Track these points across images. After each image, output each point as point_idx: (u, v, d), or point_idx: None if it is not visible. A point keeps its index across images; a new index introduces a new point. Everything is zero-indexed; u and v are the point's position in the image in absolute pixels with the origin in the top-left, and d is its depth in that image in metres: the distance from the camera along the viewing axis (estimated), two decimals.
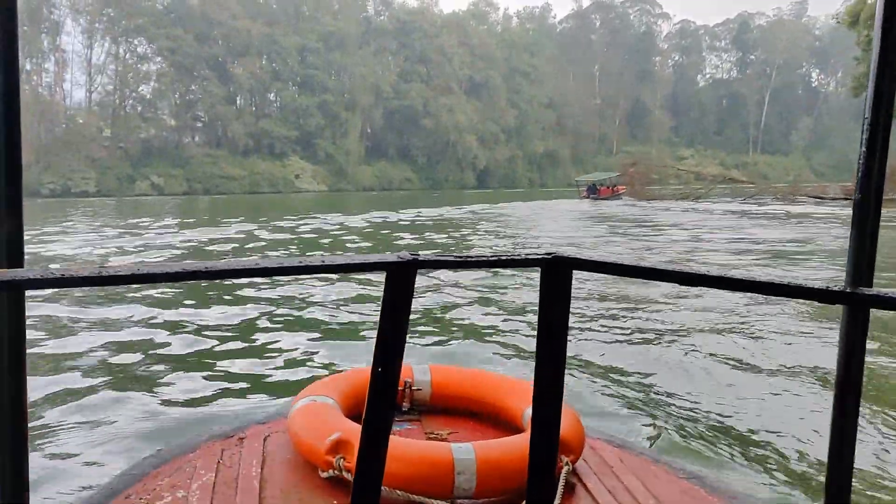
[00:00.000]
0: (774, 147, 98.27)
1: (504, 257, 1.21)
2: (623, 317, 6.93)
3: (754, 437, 3.85)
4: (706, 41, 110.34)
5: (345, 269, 1.32)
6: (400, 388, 2.38)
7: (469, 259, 1.21)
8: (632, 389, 4.66)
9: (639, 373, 5.00)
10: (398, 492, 1.76)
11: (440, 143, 76.75)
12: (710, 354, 5.46)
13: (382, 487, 1.40)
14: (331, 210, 29.35)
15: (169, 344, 5.74)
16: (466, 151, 78.46)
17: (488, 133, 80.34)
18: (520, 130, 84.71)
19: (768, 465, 3.46)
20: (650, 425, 3.96)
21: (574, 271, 1.31)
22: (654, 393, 4.53)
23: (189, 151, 65.44)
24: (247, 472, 1.92)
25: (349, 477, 1.76)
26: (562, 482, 1.74)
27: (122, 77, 66.09)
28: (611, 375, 4.92)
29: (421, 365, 2.53)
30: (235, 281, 9.06)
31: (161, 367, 5.08)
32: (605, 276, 10.17)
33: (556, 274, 1.24)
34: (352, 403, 2.19)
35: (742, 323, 6.60)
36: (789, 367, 5.27)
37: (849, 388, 1.30)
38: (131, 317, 6.59)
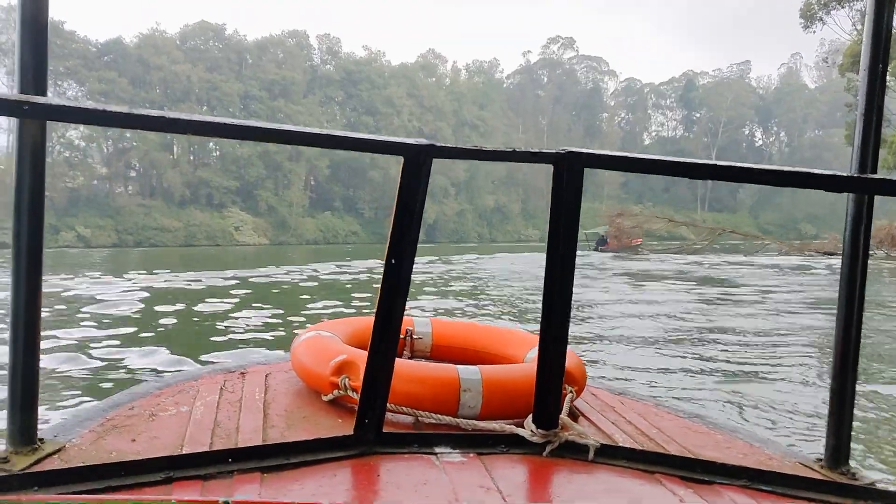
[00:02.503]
0: (722, 205, 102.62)
1: (518, 150, 1.46)
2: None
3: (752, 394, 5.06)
4: (651, 99, 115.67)
5: (362, 147, 1.46)
6: (402, 337, 2.43)
7: (484, 150, 1.46)
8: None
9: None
10: (404, 408, 1.80)
11: (388, 197, 77.43)
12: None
13: (387, 405, 1.59)
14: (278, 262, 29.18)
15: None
16: None
17: (437, 186, 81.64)
18: (469, 184, 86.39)
19: (766, 415, 4.41)
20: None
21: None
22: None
23: (120, 201, 64.23)
24: (250, 395, 1.99)
25: (354, 396, 1.82)
26: (566, 409, 1.79)
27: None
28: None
29: (422, 318, 2.62)
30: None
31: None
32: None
33: (569, 171, 1.47)
34: (356, 341, 2.22)
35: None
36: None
37: (853, 300, 1.56)
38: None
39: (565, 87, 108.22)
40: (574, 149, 1.48)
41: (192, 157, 71.91)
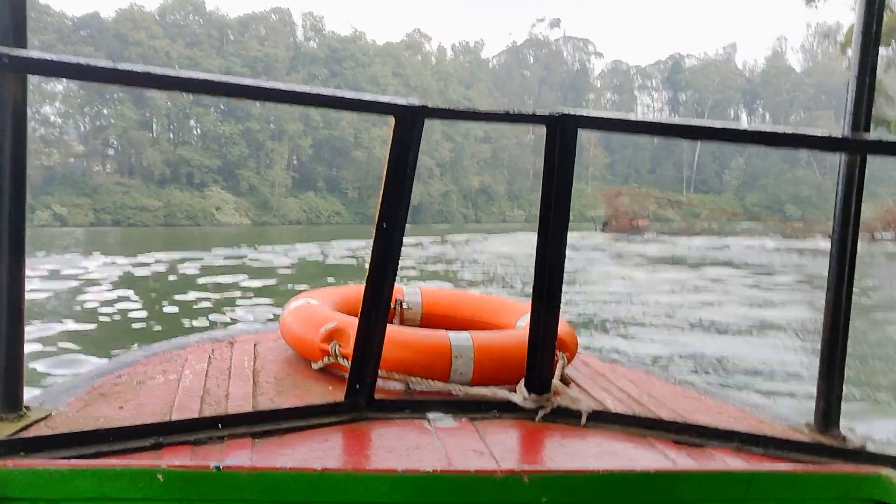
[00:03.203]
0: (707, 186, 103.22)
1: (511, 112, 1.46)
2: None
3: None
4: (638, 80, 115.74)
5: (353, 107, 1.46)
6: (391, 306, 2.34)
7: (477, 111, 1.47)
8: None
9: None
10: (395, 374, 1.80)
11: (372, 177, 77.05)
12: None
13: (379, 371, 1.60)
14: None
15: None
16: None
17: (423, 167, 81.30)
18: (454, 165, 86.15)
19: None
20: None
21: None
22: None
23: (98, 180, 63.47)
24: (239, 363, 1.98)
25: (345, 364, 1.79)
26: (558, 374, 1.77)
27: None
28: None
29: (411, 287, 2.59)
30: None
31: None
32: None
33: (563, 133, 1.46)
34: (345, 308, 2.21)
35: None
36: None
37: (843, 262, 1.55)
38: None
39: (551, 68, 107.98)
40: (568, 110, 1.47)
41: (171, 136, 71.10)
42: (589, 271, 14.75)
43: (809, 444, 1.51)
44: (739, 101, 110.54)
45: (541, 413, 1.63)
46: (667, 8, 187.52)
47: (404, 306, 2.48)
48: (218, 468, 1.13)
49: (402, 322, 2.47)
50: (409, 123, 1.45)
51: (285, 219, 70.43)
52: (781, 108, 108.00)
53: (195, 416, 1.49)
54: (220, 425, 1.43)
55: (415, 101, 1.44)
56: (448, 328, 2.26)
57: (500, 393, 1.71)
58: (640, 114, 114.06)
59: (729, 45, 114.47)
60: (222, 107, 71.79)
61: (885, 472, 1.29)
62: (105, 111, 67.52)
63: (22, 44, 1.31)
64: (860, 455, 1.46)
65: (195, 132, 72.68)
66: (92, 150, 66.29)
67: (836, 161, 1.58)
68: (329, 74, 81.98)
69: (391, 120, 1.46)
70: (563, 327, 1.86)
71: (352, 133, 76.60)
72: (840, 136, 1.47)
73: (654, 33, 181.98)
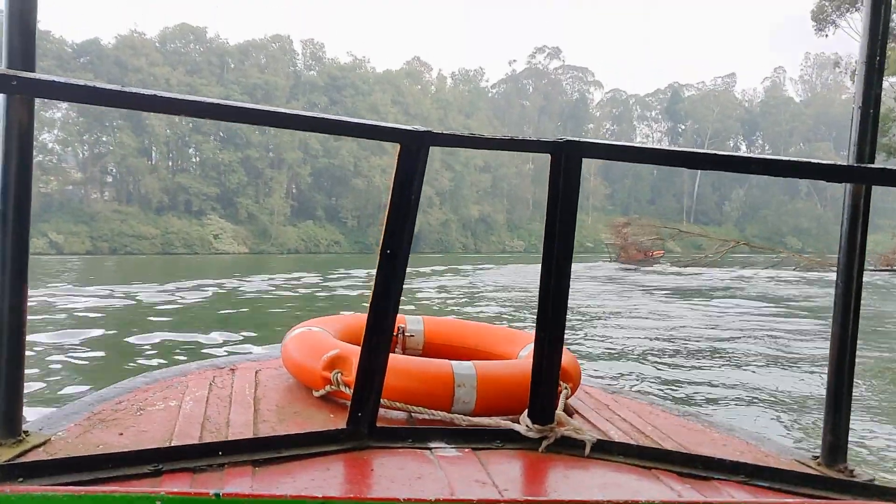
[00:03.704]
0: (708, 217, 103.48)
1: (516, 139, 1.49)
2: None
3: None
4: (637, 110, 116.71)
5: (359, 133, 1.45)
6: (394, 334, 2.48)
7: (482, 137, 1.48)
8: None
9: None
10: (397, 403, 1.81)
11: (372, 206, 77.27)
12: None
13: (381, 400, 1.60)
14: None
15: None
16: None
17: (423, 195, 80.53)
18: (454, 194, 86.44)
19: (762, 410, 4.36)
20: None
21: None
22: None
23: (95, 207, 63.58)
24: (240, 390, 2.00)
25: (346, 392, 1.81)
26: (561, 405, 1.78)
27: None
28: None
29: (414, 315, 2.63)
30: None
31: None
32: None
33: (567, 160, 1.48)
34: (347, 336, 2.23)
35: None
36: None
37: (850, 286, 1.55)
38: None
39: (551, 97, 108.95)
40: (572, 138, 1.49)
41: (170, 163, 71.41)
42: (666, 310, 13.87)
43: (817, 478, 1.51)
44: (738, 132, 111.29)
45: (544, 443, 1.63)
46: (666, 36, 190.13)
47: (407, 334, 2.51)
48: (217, 495, 1.12)
49: (405, 351, 2.49)
50: (414, 150, 1.46)
51: (283, 247, 70.40)
52: (781, 138, 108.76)
53: (195, 442, 1.50)
54: (220, 452, 1.43)
55: (419, 127, 1.46)
56: (450, 357, 2.27)
57: (504, 423, 1.71)
58: (639, 144, 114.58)
59: (728, 75, 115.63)
60: (221, 134, 72.17)
61: None
62: (104, 138, 67.84)
63: (30, 67, 1.33)
64: (869, 489, 1.45)
65: (194, 160, 72.97)
66: (90, 177, 66.50)
67: (836, 193, 1.59)
68: (329, 102, 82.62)
69: (394, 147, 1.47)
70: (566, 357, 1.87)
71: (351, 162, 76.91)
72: (845, 165, 1.49)
73: (654, 61, 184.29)
